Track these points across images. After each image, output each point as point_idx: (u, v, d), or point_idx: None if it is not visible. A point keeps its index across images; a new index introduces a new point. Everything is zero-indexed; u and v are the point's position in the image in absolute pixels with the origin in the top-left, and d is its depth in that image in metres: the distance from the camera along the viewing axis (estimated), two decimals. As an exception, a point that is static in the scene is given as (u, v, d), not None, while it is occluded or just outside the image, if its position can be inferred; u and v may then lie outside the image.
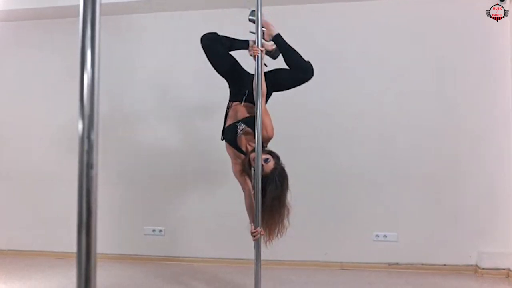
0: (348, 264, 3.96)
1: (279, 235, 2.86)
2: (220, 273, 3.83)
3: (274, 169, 2.79)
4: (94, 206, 0.86)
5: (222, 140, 3.13)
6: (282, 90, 3.12)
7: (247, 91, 2.96)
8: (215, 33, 3.05)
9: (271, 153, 2.86)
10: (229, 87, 3.15)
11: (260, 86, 2.77)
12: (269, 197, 2.77)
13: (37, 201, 4.51)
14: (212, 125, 4.14)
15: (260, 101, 2.77)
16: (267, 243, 2.86)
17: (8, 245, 4.52)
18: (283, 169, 2.85)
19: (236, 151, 3.02)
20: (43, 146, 4.53)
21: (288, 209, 2.84)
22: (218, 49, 3.02)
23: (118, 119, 4.38)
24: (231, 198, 4.04)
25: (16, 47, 4.67)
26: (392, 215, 3.95)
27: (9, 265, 4.08)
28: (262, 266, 2.85)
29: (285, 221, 2.84)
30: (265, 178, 2.78)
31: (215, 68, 3.06)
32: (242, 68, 3.12)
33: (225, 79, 3.13)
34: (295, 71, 3.05)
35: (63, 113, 4.41)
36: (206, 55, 3.01)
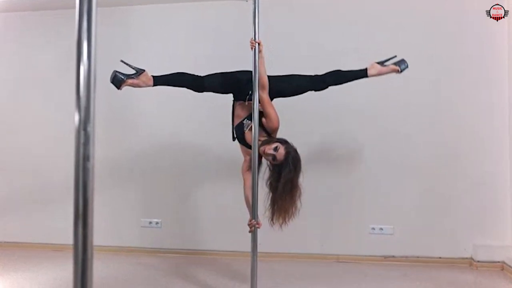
0: (344, 257, 3.98)
1: (292, 216, 2.85)
2: (216, 265, 3.84)
3: (287, 153, 2.78)
4: (91, 198, 0.86)
5: (234, 140, 3.11)
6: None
7: (250, 92, 2.93)
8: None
9: (278, 140, 2.85)
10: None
11: (257, 77, 2.77)
12: (282, 181, 2.77)
13: (34, 193, 4.51)
14: (210, 117, 4.16)
15: (257, 93, 2.77)
16: (282, 226, 2.86)
17: (5, 237, 4.52)
18: (295, 151, 2.84)
19: (246, 148, 3.02)
20: (40, 138, 4.51)
21: (300, 191, 2.83)
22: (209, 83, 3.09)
23: (115, 111, 4.37)
24: (228, 190, 4.07)
25: (12, 39, 4.64)
26: (388, 209, 3.97)
27: (6, 257, 4.08)
28: (258, 258, 2.87)
29: (297, 202, 2.83)
30: (281, 165, 2.78)
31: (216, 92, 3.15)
32: (237, 75, 3.09)
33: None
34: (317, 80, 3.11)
35: (60, 105, 4.40)
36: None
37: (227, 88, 3.11)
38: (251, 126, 2.90)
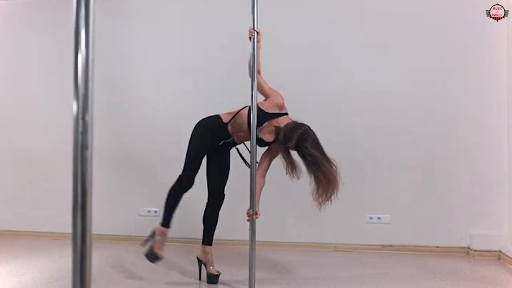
0: (341, 246, 4.00)
1: (335, 192, 2.92)
2: (215, 254, 3.84)
3: (293, 143, 2.81)
4: (89, 187, 0.86)
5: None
6: None
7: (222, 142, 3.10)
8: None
9: (286, 142, 2.84)
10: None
11: (256, 66, 2.77)
12: (312, 170, 2.87)
13: (33, 182, 4.51)
14: (209, 107, 4.13)
15: (256, 82, 2.76)
16: (323, 204, 2.94)
17: (4, 226, 4.53)
18: (304, 133, 2.87)
19: (271, 147, 3.01)
20: (38, 127, 4.50)
21: (334, 165, 2.89)
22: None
23: (113, 100, 4.35)
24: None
25: (9, 27, 4.61)
26: (385, 198, 3.98)
27: (4, 246, 4.09)
28: (256, 248, 2.87)
29: (337, 178, 2.89)
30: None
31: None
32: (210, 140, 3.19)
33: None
34: None
35: (59, 94, 4.38)
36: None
37: (207, 150, 3.21)
38: (264, 127, 2.90)
